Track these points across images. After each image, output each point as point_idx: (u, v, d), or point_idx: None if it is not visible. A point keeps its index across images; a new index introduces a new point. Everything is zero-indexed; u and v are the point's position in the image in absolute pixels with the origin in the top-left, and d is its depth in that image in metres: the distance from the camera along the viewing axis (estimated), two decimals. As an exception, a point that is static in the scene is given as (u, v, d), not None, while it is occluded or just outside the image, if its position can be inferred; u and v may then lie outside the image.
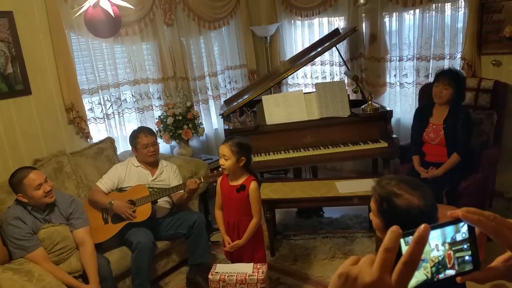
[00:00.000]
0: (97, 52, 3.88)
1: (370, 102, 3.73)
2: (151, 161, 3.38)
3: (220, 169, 2.85)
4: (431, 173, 3.30)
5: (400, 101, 4.53)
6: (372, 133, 3.72)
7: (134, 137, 3.38)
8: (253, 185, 2.69)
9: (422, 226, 0.53)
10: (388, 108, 3.84)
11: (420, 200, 1.41)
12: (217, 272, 2.61)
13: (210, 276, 2.61)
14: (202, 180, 3.15)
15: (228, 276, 2.57)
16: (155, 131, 3.69)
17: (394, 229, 0.54)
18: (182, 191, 3.24)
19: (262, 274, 2.56)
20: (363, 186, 3.32)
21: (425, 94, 3.87)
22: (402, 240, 0.54)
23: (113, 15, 2.92)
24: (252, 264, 2.66)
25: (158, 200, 3.24)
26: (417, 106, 4.05)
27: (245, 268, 2.62)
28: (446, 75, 3.33)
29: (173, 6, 4.29)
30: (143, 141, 3.33)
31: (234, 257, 2.85)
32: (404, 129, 4.41)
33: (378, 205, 1.47)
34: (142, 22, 4.06)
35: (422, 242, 0.53)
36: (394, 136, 3.66)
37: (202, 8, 4.53)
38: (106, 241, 3.06)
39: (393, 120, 3.88)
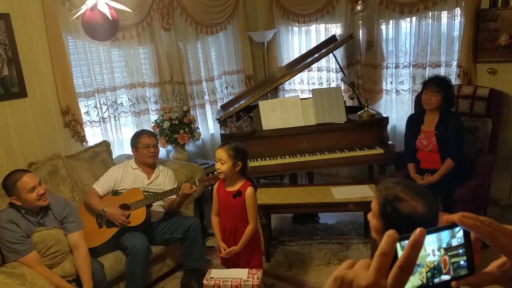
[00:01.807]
0: (94, 56, 3.87)
1: (366, 109, 3.74)
2: (150, 163, 3.38)
3: (215, 172, 2.84)
4: (427, 179, 3.31)
5: (396, 108, 4.55)
6: (368, 139, 3.73)
7: (137, 137, 3.39)
8: (249, 190, 2.68)
9: (418, 230, 0.53)
10: (384, 115, 3.85)
11: (424, 208, 1.40)
12: (212, 278, 2.60)
13: (204, 281, 2.60)
14: (197, 184, 3.14)
15: (223, 282, 2.55)
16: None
17: (390, 233, 0.53)
18: (174, 196, 3.23)
19: (257, 279, 2.55)
20: (359, 192, 3.32)
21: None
22: (398, 245, 0.54)
23: (110, 18, 2.92)
24: (247, 269, 2.65)
25: (152, 204, 3.23)
26: (413, 113, 4.07)
27: (240, 274, 2.61)
28: (433, 82, 3.38)
29: (170, 11, 4.29)
30: (145, 141, 3.34)
31: (230, 263, 2.83)
32: (400, 135, 4.42)
33: (380, 207, 1.45)
34: (140, 26, 4.07)
35: (417, 246, 0.52)
36: (390, 142, 3.67)
37: (199, 13, 4.54)
38: (100, 245, 3.04)
39: (389, 126, 3.89)
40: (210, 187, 3.03)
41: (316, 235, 3.88)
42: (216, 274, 2.64)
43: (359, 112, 3.79)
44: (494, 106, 3.64)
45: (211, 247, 3.81)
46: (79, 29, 3.52)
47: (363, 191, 3.32)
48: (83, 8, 2.96)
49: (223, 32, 4.90)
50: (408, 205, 1.41)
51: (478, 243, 0.61)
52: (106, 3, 2.95)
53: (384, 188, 1.47)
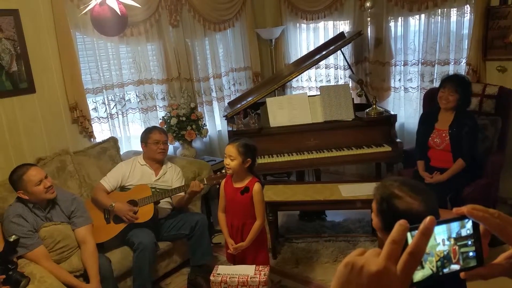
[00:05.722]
0: (102, 52, 3.88)
1: (374, 106, 3.72)
2: (159, 159, 3.39)
3: (223, 170, 2.85)
4: (436, 178, 3.28)
5: (405, 105, 4.52)
6: (376, 137, 3.71)
7: (147, 132, 3.42)
8: (256, 186, 2.68)
9: (428, 218, 0.54)
10: (392, 113, 3.84)
11: (421, 205, 1.41)
12: (218, 274, 2.60)
13: (211, 278, 2.60)
14: (206, 182, 3.14)
15: (229, 278, 2.56)
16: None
17: (402, 222, 0.55)
18: (183, 193, 3.23)
19: (264, 276, 2.55)
20: (366, 190, 3.30)
21: (430, 99, 3.86)
22: (409, 234, 0.55)
23: (119, 13, 2.92)
24: (254, 266, 2.65)
25: (160, 201, 3.24)
26: (421, 111, 4.04)
27: (247, 270, 2.61)
28: (452, 81, 3.30)
29: (178, 7, 4.30)
30: (156, 137, 3.36)
31: (237, 260, 2.83)
32: (408, 133, 4.40)
33: (378, 205, 1.48)
34: (148, 22, 4.07)
35: (427, 233, 0.53)
36: (398, 140, 3.65)
37: (207, 10, 4.54)
38: (107, 241, 3.06)
39: (397, 124, 3.88)
40: (217, 185, 3.04)
41: (323, 233, 3.87)
42: (223, 270, 2.64)
43: (367, 110, 3.78)
44: (503, 104, 3.61)
45: (218, 243, 3.81)
46: (87, 25, 3.54)
47: (371, 189, 3.27)
48: (93, 3, 2.97)
49: (231, 29, 4.90)
50: (404, 201, 1.42)
51: (487, 235, 0.61)
52: (115, -1, 2.96)
53: (382, 187, 1.51)
